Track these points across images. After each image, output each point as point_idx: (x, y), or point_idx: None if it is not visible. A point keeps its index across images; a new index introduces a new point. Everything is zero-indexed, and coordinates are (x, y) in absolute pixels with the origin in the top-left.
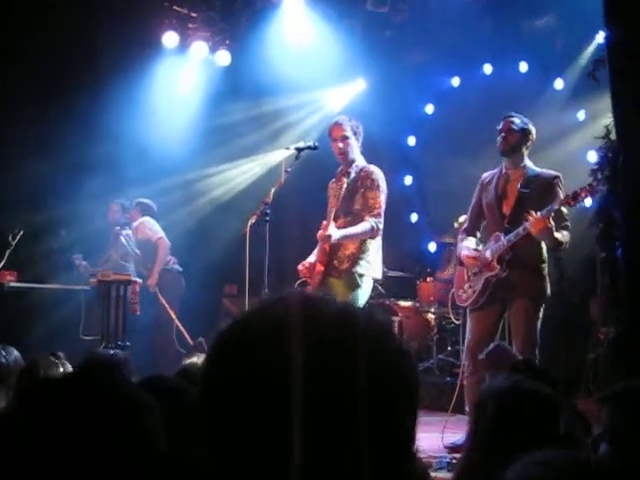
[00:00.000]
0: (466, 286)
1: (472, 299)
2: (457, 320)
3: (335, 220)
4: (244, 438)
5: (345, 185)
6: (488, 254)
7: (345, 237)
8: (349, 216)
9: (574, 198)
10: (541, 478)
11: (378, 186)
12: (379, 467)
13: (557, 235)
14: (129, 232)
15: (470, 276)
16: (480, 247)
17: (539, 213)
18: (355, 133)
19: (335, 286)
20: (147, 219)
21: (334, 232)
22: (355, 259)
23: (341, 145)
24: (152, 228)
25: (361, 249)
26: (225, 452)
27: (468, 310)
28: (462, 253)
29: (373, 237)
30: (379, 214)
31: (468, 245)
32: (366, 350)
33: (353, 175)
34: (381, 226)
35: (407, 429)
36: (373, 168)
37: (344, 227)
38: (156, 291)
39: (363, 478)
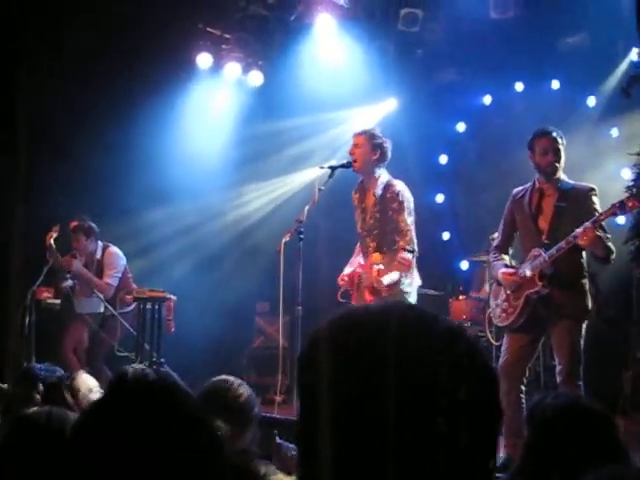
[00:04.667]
0: (505, 304)
1: (512, 318)
2: (496, 342)
3: (364, 243)
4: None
5: (373, 204)
6: (528, 271)
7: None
8: (378, 240)
9: (621, 207)
10: None
11: (405, 208)
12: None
13: (609, 243)
14: None
15: (509, 294)
16: (514, 263)
17: (586, 223)
18: (376, 146)
19: None
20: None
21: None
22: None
23: (353, 154)
24: (118, 271)
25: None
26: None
27: (506, 329)
28: (499, 271)
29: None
30: (412, 238)
31: (503, 262)
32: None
33: (380, 193)
34: (416, 247)
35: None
36: (399, 187)
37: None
38: None
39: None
